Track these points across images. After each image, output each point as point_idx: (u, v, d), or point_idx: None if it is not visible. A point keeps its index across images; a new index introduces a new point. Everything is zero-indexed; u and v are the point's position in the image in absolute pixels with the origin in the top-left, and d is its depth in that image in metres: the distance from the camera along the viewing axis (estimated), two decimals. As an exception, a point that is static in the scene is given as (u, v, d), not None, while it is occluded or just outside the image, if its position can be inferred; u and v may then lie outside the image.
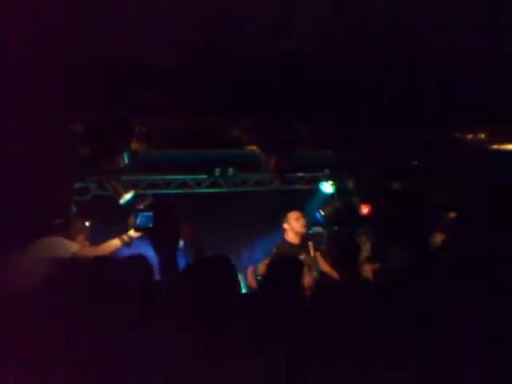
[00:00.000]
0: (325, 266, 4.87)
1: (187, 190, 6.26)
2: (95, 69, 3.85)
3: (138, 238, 4.37)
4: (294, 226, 4.99)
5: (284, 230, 5.08)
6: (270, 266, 3.02)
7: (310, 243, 4.88)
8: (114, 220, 5.58)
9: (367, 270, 4.13)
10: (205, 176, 6.25)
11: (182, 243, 3.86)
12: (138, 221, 4.16)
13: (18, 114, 3.88)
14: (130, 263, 2.64)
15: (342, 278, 3.61)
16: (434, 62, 4.27)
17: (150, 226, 3.79)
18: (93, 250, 4.28)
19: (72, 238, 4.17)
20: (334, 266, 4.23)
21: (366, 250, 4.84)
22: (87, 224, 4.63)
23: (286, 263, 3.06)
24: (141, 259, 2.65)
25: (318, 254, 5.00)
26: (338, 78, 4.40)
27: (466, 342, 2.43)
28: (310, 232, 5.48)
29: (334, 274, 4.61)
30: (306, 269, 4.01)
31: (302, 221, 5.00)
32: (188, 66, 4.11)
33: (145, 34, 3.71)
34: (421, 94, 4.72)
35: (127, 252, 4.32)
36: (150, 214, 3.87)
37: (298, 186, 6.80)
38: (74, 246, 4.01)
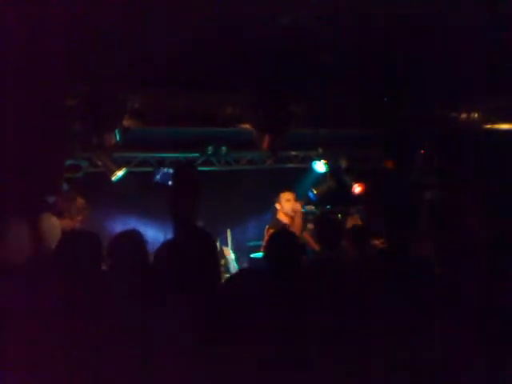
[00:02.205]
0: (312, 245, 4.91)
1: (179, 168, 6.21)
2: (90, 44, 3.79)
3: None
4: (284, 207, 5.08)
5: (275, 210, 5.15)
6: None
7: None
8: (106, 197, 5.56)
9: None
10: (197, 154, 6.22)
11: None
12: (158, 177, 4.09)
13: (9, 89, 3.81)
14: (124, 236, 2.61)
15: (324, 255, 3.60)
16: (428, 39, 4.25)
17: (169, 183, 3.71)
18: None
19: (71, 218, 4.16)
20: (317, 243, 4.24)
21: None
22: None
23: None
24: (134, 233, 2.64)
25: (305, 233, 5.09)
26: (334, 54, 4.36)
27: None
28: (303, 211, 5.50)
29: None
30: None
31: (293, 203, 5.07)
32: (182, 42, 4.04)
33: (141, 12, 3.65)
34: (415, 71, 4.70)
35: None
36: (171, 171, 3.77)
37: (290, 165, 6.81)
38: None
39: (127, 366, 2.00)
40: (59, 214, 4.00)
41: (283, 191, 5.21)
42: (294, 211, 5.05)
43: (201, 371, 2.00)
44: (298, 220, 5.01)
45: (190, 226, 2.61)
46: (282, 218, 5.10)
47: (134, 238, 2.57)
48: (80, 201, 4.45)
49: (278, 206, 5.16)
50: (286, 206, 5.08)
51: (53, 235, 3.30)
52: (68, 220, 4.14)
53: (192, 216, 2.66)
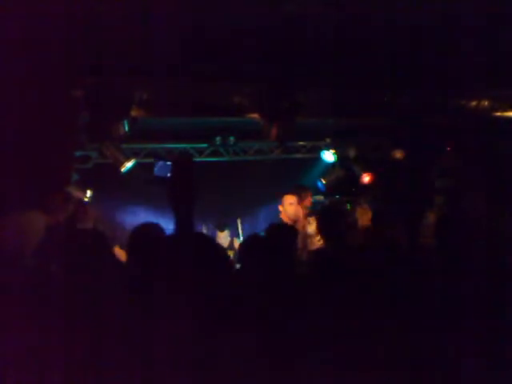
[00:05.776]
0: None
1: (188, 159, 6.22)
2: (96, 34, 3.79)
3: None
4: (287, 210, 5.03)
5: (279, 211, 5.13)
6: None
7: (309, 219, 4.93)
8: (115, 188, 5.59)
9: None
10: (206, 145, 6.23)
11: None
12: (156, 169, 4.03)
13: (18, 80, 3.83)
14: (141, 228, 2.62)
15: (327, 247, 3.57)
16: (434, 26, 4.22)
17: (168, 175, 3.65)
18: None
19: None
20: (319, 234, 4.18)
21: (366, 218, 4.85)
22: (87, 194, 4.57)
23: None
24: (153, 225, 2.64)
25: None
26: (340, 43, 4.33)
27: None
28: (312, 201, 5.49)
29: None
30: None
31: (296, 207, 5.03)
32: (188, 32, 4.04)
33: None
34: (422, 58, 4.66)
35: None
36: (169, 163, 3.73)
37: (299, 155, 6.80)
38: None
39: (129, 363, 1.98)
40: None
41: (286, 193, 5.10)
42: (297, 215, 5.01)
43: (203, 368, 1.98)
44: (301, 223, 4.96)
45: (190, 221, 2.59)
46: (286, 220, 5.07)
47: (156, 231, 2.56)
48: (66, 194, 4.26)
49: (280, 208, 5.13)
50: (289, 209, 5.04)
51: (32, 231, 2.87)
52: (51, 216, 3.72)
53: (192, 209, 2.63)
